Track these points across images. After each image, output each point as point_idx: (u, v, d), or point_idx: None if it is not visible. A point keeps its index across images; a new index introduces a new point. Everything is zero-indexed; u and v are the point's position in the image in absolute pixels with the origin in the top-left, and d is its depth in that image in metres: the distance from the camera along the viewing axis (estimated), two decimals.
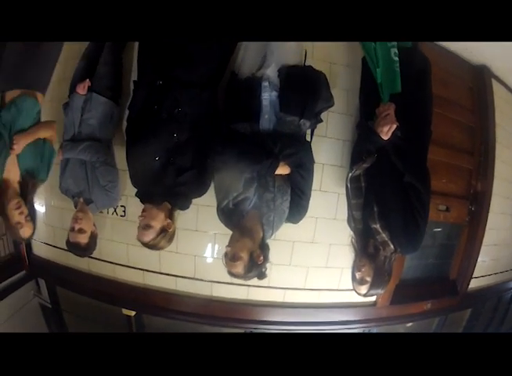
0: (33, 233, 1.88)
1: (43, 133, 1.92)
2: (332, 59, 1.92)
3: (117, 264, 2.10)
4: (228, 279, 1.88)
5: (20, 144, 1.78)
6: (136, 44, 1.82)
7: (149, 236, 1.62)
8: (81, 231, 1.75)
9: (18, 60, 1.82)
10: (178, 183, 1.63)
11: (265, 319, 2.07)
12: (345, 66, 1.95)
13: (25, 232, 1.79)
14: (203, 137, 1.63)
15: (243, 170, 1.55)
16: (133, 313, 2.20)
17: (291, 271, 2.01)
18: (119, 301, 2.16)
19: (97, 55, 1.85)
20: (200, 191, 1.72)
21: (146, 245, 1.68)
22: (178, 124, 1.62)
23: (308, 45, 1.81)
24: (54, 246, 2.25)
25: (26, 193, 1.84)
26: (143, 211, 1.65)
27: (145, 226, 1.62)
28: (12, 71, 1.86)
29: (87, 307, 2.37)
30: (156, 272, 2.06)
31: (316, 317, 2.09)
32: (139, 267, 2.07)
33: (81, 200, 1.84)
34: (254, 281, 1.82)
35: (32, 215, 1.84)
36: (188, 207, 1.76)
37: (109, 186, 1.82)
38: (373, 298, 2.17)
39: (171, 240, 1.72)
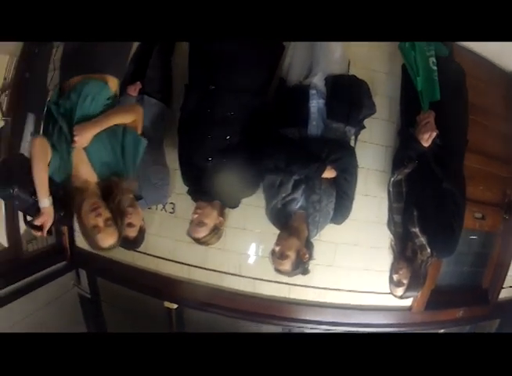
0: (117, 242, 1.67)
1: (120, 119, 1.71)
2: (373, 66, 2.16)
3: (162, 258, 2.37)
4: (272, 277, 2.15)
5: (84, 136, 1.60)
6: (184, 49, 2.04)
7: (202, 232, 1.87)
8: (130, 225, 1.88)
9: (82, 45, 1.70)
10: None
11: (304, 317, 2.31)
12: (386, 74, 2.18)
13: (103, 239, 1.60)
14: (255, 140, 1.86)
15: (292, 172, 1.79)
16: (175, 307, 2.46)
17: (333, 272, 2.25)
18: (162, 294, 2.44)
19: (146, 58, 2.07)
20: (250, 191, 1.95)
21: (198, 241, 1.91)
22: (231, 128, 1.86)
23: (349, 53, 2.11)
24: None
25: (108, 194, 1.68)
26: (198, 208, 1.89)
27: (199, 223, 1.86)
28: (74, 57, 1.77)
29: (127, 299, 2.63)
30: (202, 268, 2.32)
31: (353, 318, 2.32)
32: (185, 262, 2.34)
33: (132, 195, 1.95)
34: (296, 280, 2.10)
35: (117, 220, 1.64)
36: (237, 206, 2.00)
37: (159, 184, 2.04)
38: (409, 303, 2.38)
39: (220, 237, 1.95)
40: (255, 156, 1.85)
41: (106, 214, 1.61)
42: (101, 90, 1.72)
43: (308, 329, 2.33)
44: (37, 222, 1.58)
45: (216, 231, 1.91)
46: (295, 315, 2.32)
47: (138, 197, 2.00)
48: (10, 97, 2.33)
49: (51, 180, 1.60)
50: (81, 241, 2.57)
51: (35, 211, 1.57)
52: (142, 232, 1.97)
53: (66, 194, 1.66)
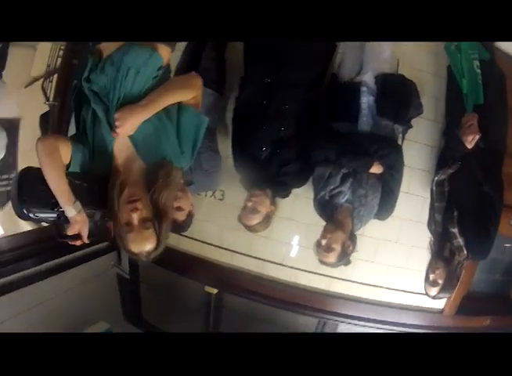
0: (153, 250, 1.41)
1: (177, 97, 1.45)
2: (420, 67, 2.32)
3: (207, 243, 2.58)
4: (313, 268, 2.33)
5: (128, 126, 1.36)
6: (236, 43, 2.26)
7: (255, 220, 2.07)
8: (179, 209, 2.06)
9: None
10: (282, 173, 2.06)
11: (340, 311, 2.49)
12: (433, 75, 2.33)
13: (135, 242, 1.36)
14: (307, 132, 2.04)
15: (342, 165, 1.97)
16: (215, 291, 2.66)
17: (373, 268, 2.42)
18: (203, 278, 2.65)
19: (200, 50, 2.26)
20: (301, 182, 2.14)
21: (249, 228, 2.11)
22: (285, 120, 2.05)
23: (397, 53, 2.27)
24: None
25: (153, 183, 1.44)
26: (252, 196, 2.07)
27: (252, 210, 2.05)
28: None
29: (166, 281, 2.87)
30: (246, 255, 2.52)
31: (386, 316, 2.50)
32: (230, 248, 2.53)
33: (182, 181, 2.29)
34: (337, 274, 2.31)
35: (158, 222, 1.40)
36: (287, 196, 2.18)
37: (211, 171, 2.21)
38: (441, 306, 2.55)
39: (268, 225, 2.13)
40: (307, 148, 2.04)
41: (145, 212, 1.35)
42: (148, 59, 1.41)
43: (343, 323, 2.51)
44: (70, 233, 1.41)
45: (267, 219, 2.10)
46: (332, 308, 2.49)
47: (188, 183, 2.21)
48: (57, 83, 2.54)
49: (78, 177, 1.45)
50: None
51: (65, 222, 1.41)
52: (190, 216, 2.14)
53: (102, 189, 1.45)
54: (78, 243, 1.47)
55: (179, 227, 2.16)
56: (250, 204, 2.08)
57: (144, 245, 1.38)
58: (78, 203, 1.38)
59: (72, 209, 1.36)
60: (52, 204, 1.38)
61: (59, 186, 1.35)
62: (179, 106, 1.48)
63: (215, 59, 2.28)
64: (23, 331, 2.62)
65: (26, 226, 2.70)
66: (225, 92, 2.31)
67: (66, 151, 1.42)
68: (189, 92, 1.49)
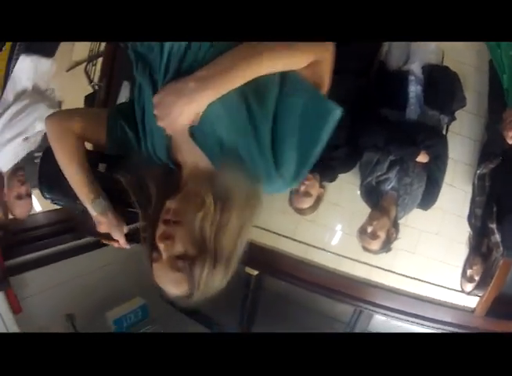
0: (184, 297, 0.99)
1: (272, 62, 0.86)
2: (463, 60, 2.48)
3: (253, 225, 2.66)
4: (355, 255, 2.48)
5: (174, 116, 0.85)
6: None
7: (307, 203, 2.26)
8: None
9: None
10: (331, 157, 2.22)
11: (377, 301, 2.65)
12: (475, 69, 2.49)
13: (158, 278, 0.96)
14: (357, 118, 2.19)
15: (389, 152, 2.13)
16: (255, 273, 2.84)
17: (413, 259, 2.56)
18: (246, 259, 2.68)
19: None
20: (348, 167, 2.30)
21: (300, 211, 2.29)
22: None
23: (441, 45, 2.36)
24: None
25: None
26: (306, 179, 2.23)
27: (305, 193, 2.24)
28: None
29: None
30: (290, 238, 2.67)
31: (419, 310, 2.63)
32: (275, 231, 2.69)
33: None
34: (378, 263, 2.45)
35: (200, 265, 0.92)
36: (334, 180, 2.34)
37: None
38: (473, 305, 2.67)
39: (316, 208, 2.31)
40: (356, 133, 2.20)
41: (180, 247, 0.89)
42: None
43: (378, 314, 2.68)
44: (101, 231, 1.21)
45: (317, 202, 2.28)
46: (369, 297, 2.64)
47: None
48: (102, 65, 2.74)
49: (115, 165, 1.16)
50: None
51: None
52: None
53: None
54: (116, 245, 1.25)
55: None
56: (302, 187, 2.25)
57: (168, 287, 0.95)
58: (102, 200, 1.12)
59: (92, 208, 1.12)
60: (73, 194, 1.14)
61: (72, 178, 1.11)
62: (284, 76, 0.88)
63: None
64: (62, 302, 3.08)
65: None
66: None
67: (95, 128, 1.12)
68: (302, 54, 0.88)
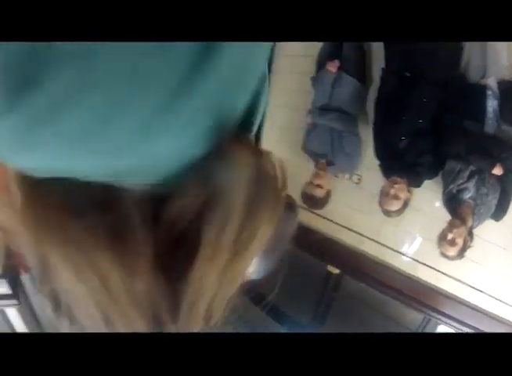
0: None
1: None
2: None
3: (337, 224, 2.89)
4: (429, 262, 2.59)
5: None
6: None
7: (396, 206, 2.41)
8: (319, 186, 2.52)
9: None
10: (417, 163, 2.36)
11: (444, 310, 2.67)
12: None
13: None
14: (441, 127, 2.34)
15: (470, 162, 2.25)
16: (336, 272, 2.98)
17: (483, 271, 2.57)
18: (328, 257, 2.97)
19: None
20: (432, 174, 2.42)
21: (388, 213, 2.46)
22: (423, 113, 2.34)
23: None
24: None
25: None
26: (394, 182, 2.39)
27: (395, 196, 2.39)
28: None
29: (291, 256, 3.06)
30: (373, 240, 2.78)
31: (481, 325, 2.61)
32: (359, 232, 2.81)
33: (323, 161, 2.62)
34: (450, 271, 2.55)
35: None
36: (419, 186, 2.47)
37: (352, 154, 2.58)
38: None
39: (402, 212, 2.47)
40: (440, 142, 2.36)
41: None
42: None
43: (443, 323, 2.73)
44: None
45: (405, 206, 2.45)
46: (437, 305, 2.69)
47: (329, 163, 2.59)
48: None
49: None
50: None
51: None
52: (327, 195, 2.53)
53: None
54: None
55: (316, 203, 2.53)
56: (392, 190, 2.42)
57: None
58: None
59: None
60: None
61: None
62: None
63: (356, 49, 2.64)
64: None
65: None
66: (366, 81, 2.67)
67: None
68: None
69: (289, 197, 0.46)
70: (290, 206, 0.57)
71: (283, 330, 3.38)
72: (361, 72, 2.65)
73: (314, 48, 2.77)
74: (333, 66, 2.57)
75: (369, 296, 2.95)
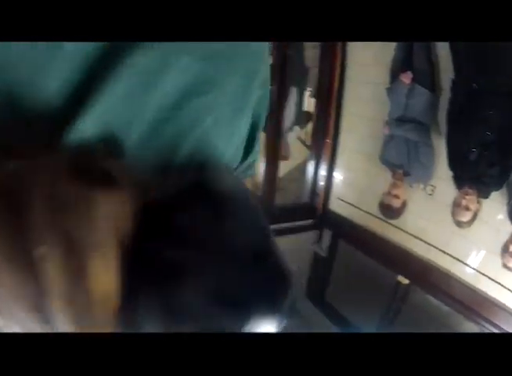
0: None
1: None
2: None
3: (410, 234, 2.90)
4: (496, 276, 2.55)
5: None
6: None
7: (467, 217, 2.45)
8: (396, 196, 2.61)
9: None
10: (487, 174, 2.37)
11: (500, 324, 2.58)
12: None
13: None
14: (508, 139, 2.32)
15: None
16: (406, 282, 3.00)
17: None
18: (398, 267, 3.01)
19: (410, 48, 2.62)
20: (499, 185, 2.41)
21: (460, 224, 2.50)
22: (491, 125, 2.34)
23: None
24: (355, 206, 3.30)
25: None
26: (466, 194, 2.43)
27: (466, 207, 2.43)
28: None
29: (361, 265, 3.35)
30: (442, 251, 2.76)
31: None
32: (430, 242, 2.81)
33: (400, 171, 2.68)
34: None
35: None
36: (487, 197, 2.46)
37: (427, 165, 2.60)
38: None
39: (472, 223, 2.50)
40: (507, 153, 2.34)
41: None
42: None
43: None
44: None
45: (475, 217, 2.49)
46: (495, 318, 2.63)
47: (406, 173, 2.66)
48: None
49: None
50: (335, 205, 3.54)
51: None
52: (403, 205, 2.62)
53: None
54: None
55: (393, 213, 2.62)
56: (463, 201, 2.47)
57: None
58: None
59: None
60: None
61: None
62: None
63: (426, 59, 2.65)
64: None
65: None
66: (436, 91, 2.69)
67: None
68: None
69: None
70: None
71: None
72: (432, 83, 2.67)
73: (385, 57, 2.82)
74: (406, 78, 2.62)
75: (433, 308, 2.97)
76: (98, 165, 0.41)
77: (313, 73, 3.54)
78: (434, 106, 2.66)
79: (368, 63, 3.11)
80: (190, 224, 0.46)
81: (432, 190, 2.77)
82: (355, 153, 3.27)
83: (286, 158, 3.62)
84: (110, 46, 0.47)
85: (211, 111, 0.54)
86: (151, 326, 0.46)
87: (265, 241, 0.56)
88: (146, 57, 0.47)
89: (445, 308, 2.86)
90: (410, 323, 3.05)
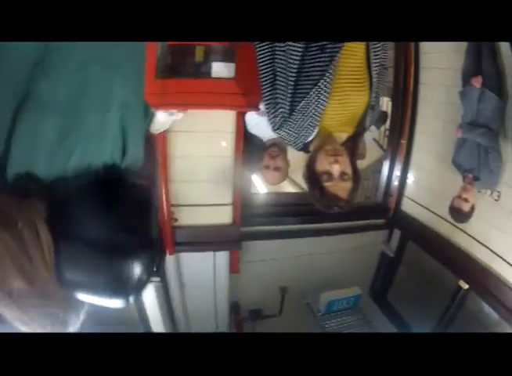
0: None
1: None
2: None
3: (473, 238, 2.92)
4: None
5: None
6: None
7: None
8: (466, 200, 2.65)
9: None
10: None
11: None
12: None
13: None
14: None
15: None
16: (466, 287, 3.01)
17: None
18: (461, 272, 3.03)
19: (479, 51, 2.66)
20: None
21: None
22: None
23: None
24: (426, 207, 3.34)
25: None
26: None
27: None
28: None
29: (426, 268, 3.43)
30: (503, 260, 2.74)
31: None
32: (493, 249, 2.80)
33: (470, 175, 2.71)
34: None
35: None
36: None
37: (495, 171, 2.62)
38: None
39: None
40: None
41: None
42: None
43: None
44: None
45: None
46: None
47: (476, 178, 2.70)
48: None
49: None
50: (407, 206, 3.59)
51: None
52: (472, 209, 2.67)
53: None
54: None
55: (462, 216, 2.68)
56: None
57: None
58: None
59: None
60: None
61: None
62: None
63: (494, 65, 2.67)
64: (280, 274, 3.63)
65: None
66: (504, 97, 2.68)
67: None
68: None
69: None
70: None
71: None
72: (500, 88, 2.68)
73: (457, 61, 2.87)
74: (477, 82, 2.65)
75: (486, 316, 2.97)
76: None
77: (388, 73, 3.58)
78: (501, 111, 2.67)
79: (442, 67, 3.15)
80: (83, 211, 0.76)
81: (498, 196, 2.77)
82: (429, 155, 3.30)
83: (362, 157, 3.73)
84: None
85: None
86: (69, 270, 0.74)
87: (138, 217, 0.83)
88: None
89: (497, 317, 2.86)
90: (463, 329, 3.09)
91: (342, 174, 1.64)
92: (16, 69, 0.75)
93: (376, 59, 1.66)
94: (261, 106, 2.20)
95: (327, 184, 1.64)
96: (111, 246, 0.74)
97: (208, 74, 2.25)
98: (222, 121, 2.70)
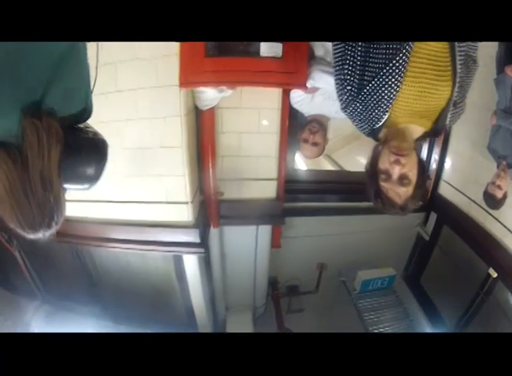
0: None
1: None
2: None
3: (505, 227, 2.99)
4: None
5: None
6: None
7: None
8: (499, 187, 2.69)
9: None
10: None
11: None
12: None
13: None
14: None
15: None
16: (495, 275, 3.08)
17: None
18: (492, 260, 3.09)
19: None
20: None
21: None
22: None
23: None
24: (461, 192, 3.42)
25: None
26: None
27: None
28: None
29: (460, 253, 3.51)
30: None
31: None
32: None
33: (504, 162, 2.75)
34: None
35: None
36: None
37: None
38: None
39: None
40: None
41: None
42: None
43: None
44: None
45: None
46: None
47: (510, 165, 2.78)
48: None
49: None
50: (444, 190, 3.64)
51: None
52: (504, 197, 2.73)
53: None
54: None
55: (495, 203, 2.80)
56: None
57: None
58: None
59: None
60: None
61: None
62: None
63: None
64: (319, 250, 3.74)
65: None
66: None
67: None
68: None
69: None
70: None
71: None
72: None
73: (492, 48, 2.87)
74: (510, 70, 2.71)
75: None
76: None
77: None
78: None
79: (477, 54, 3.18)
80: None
81: None
82: (466, 141, 3.35)
83: None
84: None
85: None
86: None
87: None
88: None
89: None
90: (488, 318, 3.19)
91: (402, 177, 1.40)
92: None
93: (461, 47, 1.39)
94: (308, 84, 2.34)
95: (383, 184, 1.43)
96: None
97: (257, 53, 2.33)
98: (269, 98, 2.80)
